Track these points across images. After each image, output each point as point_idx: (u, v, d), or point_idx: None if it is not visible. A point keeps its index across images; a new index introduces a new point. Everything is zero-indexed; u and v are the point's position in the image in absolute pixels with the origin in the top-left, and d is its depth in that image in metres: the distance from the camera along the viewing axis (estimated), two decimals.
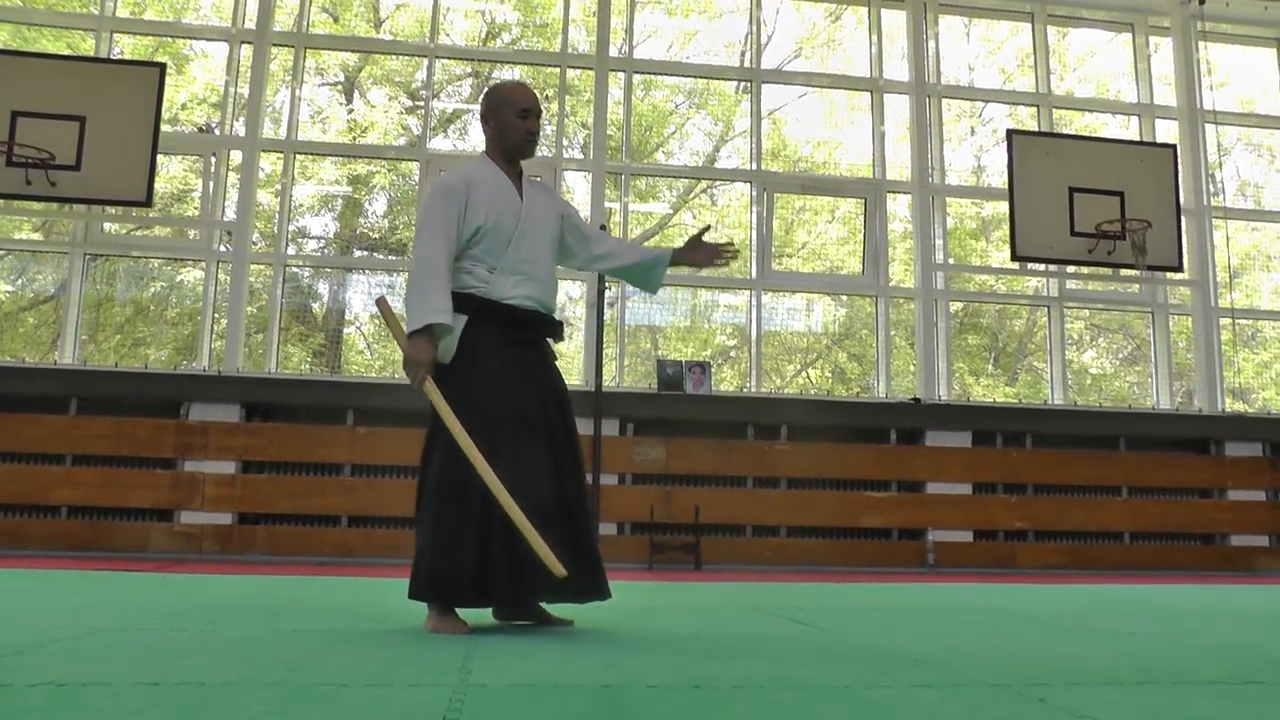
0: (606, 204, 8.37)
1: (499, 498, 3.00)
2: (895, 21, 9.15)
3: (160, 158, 7.70)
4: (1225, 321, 8.95)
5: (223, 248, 8.01)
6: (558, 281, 3.53)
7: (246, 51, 8.32)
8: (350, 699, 1.95)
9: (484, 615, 3.30)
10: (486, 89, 3.54)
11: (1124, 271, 8.56)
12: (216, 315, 8.00)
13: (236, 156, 8.17)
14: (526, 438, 3.19)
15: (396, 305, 3.35)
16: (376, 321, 9.21)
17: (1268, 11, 9.32)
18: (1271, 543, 8.31)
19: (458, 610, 3.18)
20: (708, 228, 3.68)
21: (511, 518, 3.00)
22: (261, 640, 2.80)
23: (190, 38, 8.87)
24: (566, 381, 3.54)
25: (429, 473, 3.20)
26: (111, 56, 8.18)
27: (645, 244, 8.62)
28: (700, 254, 3.60)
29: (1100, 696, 2.16)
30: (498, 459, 3.08)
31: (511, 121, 3.36)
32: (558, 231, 3.47)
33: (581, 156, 8.83)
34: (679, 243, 3.74)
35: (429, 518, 3.15)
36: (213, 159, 8.14)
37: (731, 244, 3.64)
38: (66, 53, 8.30)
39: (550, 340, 3.46)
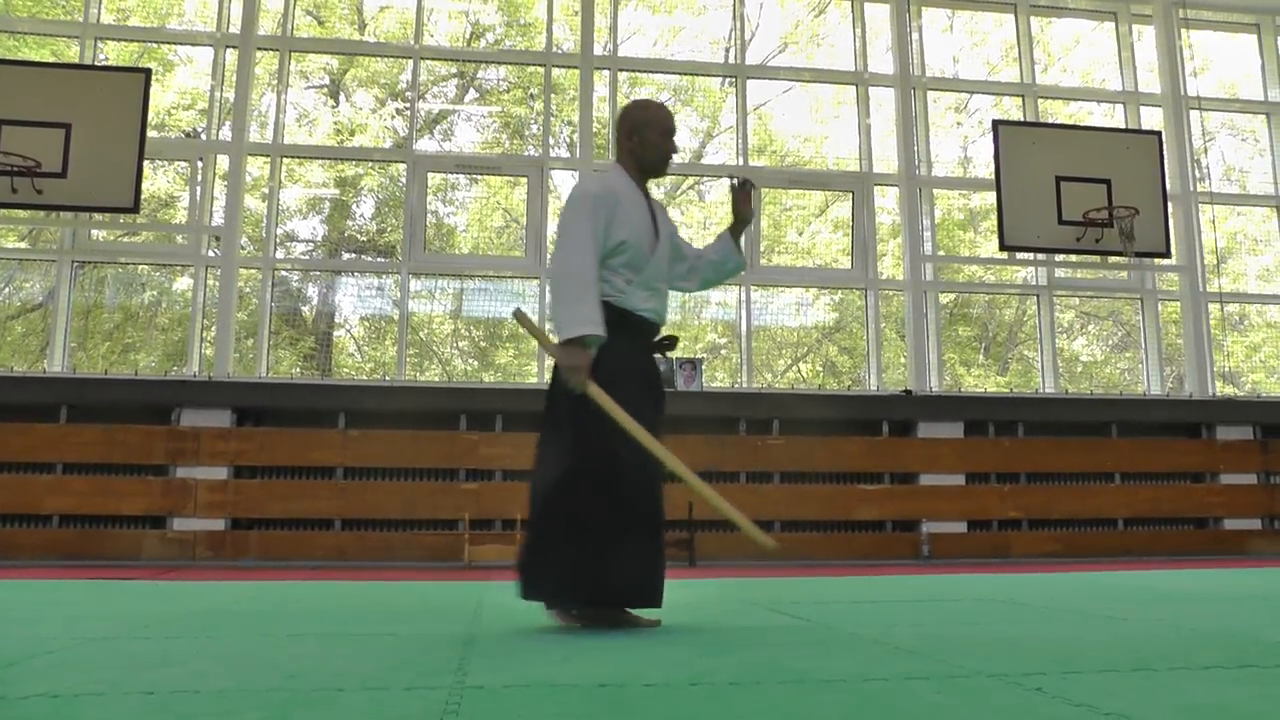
0: None
1: (688, 480, 3.19)
2: (879, 15, 9.16)
3: (146, 164, 7.67)
4: (1214, 306, 8.98)
5: (211, 253, 7.99)
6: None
7: (231, 56, 8.30)
8: (346, 703, 1.94)
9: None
10: (630, 103, 3.57)
11: (1112, 259, 8.59)
12: (206, 321, 7.97)
13: (223, 161, 8.15)
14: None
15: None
16: (367, 324, 9.19)
17: None
18: (1264, 525, 8.35)
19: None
20: (733, 179, 3.67)
21: (708, 498, 3.19)
22: (257, 646, 2.79)
23: (175, 43, 8.83)
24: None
25: (571, 475, 3.20)
26: (96, 63, 8.14)
27: None
28: (740, 208, 3.64)
29: (1097, 684, 2.16)
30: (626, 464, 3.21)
31: (656, 141, 3.43)
32: (673, 252, 3.55)
33: (568, 155, 8.82)
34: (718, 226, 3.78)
35: (577, 518, 3.16)
36: (199, 164, 8.12)
37: (739, 180, 3.65)
38: (51, 60, 8.26)
39: (666, 352, 3.58)
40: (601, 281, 3.26)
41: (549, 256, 3.29)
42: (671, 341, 3.54)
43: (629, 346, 3.30)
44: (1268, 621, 3.44)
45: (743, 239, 3.73)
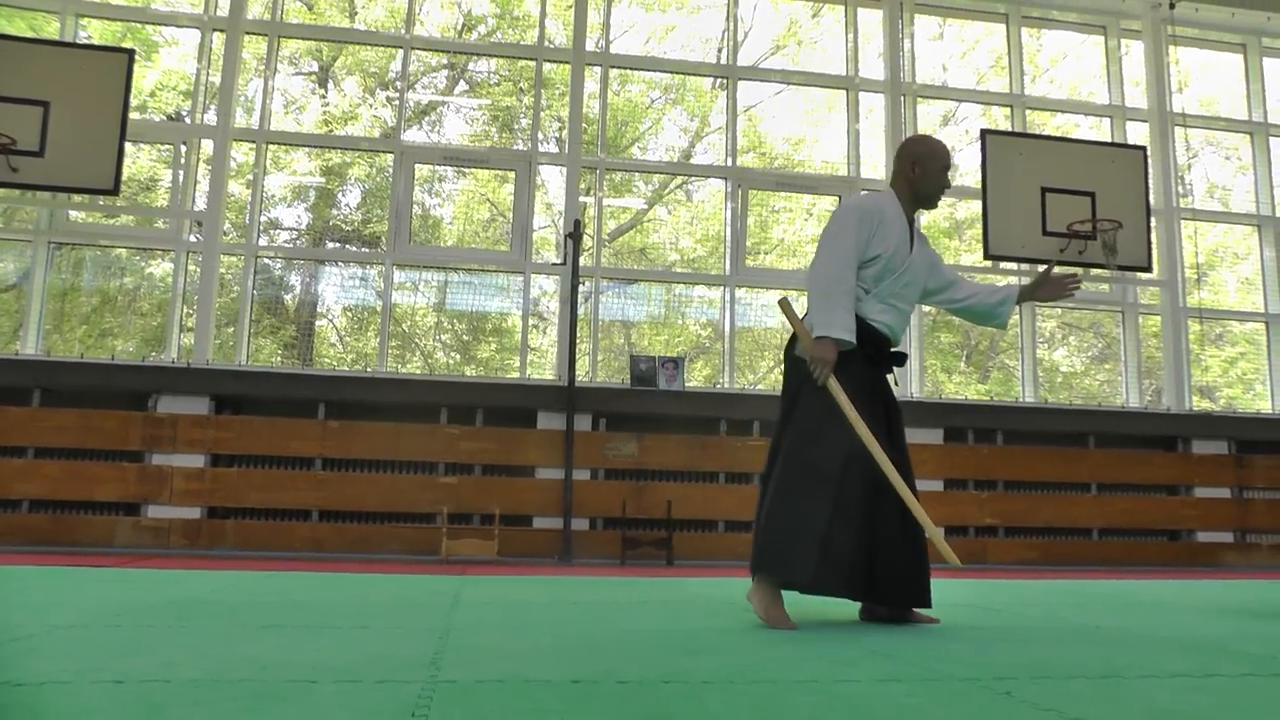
0: (581, 198, 8.35)
1: (899, 489, 3.32)
2: (871, 20, 9.17)
3: (128, 145, 7.60)
4: (1193, 321, 9.04)
5: (193, 238, 7.93)
6: (910, 319, 3.85)
7: (219, 39, 8.23)
8: (319, 696, 1.93)
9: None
10: (912, 137, 3.90)
11: (1095, 271, 8.63)
12: (186, 307, 7.92)
13: (207, 145, 8.09)
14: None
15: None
16: (349, 314, 9.15)
17: (1235, 18, 9.43)
18: (1236, 539, 8.42)
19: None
20: (1053, 265, 3.99)
21: (913, 509, 3.33)
22: (230, 637, 2.77)
23: (160, 24, 8.73)
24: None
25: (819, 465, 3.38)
26: (77, 41, 8.06)
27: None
28: (1047, 289, 3.87)
29: (1066, 690, 2.18)
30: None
31: (937, 174, 3.69)
32: (925, 278, 3.76)
33: (556, 150, 8.80)
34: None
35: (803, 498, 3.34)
36: (183, 148, 8.06)
37: (1076, 275, 3.90)
38: (29, 35, 8.15)
39: (895, 366, 3.75)
40: None
41: (812, 260, 3.55)
42: (900, 358, 3.73)
43: (856, 352, 3.46)
44: (1236, 632, 3.48)
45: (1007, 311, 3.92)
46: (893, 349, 3.69)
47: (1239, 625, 3.76)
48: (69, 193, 7.49)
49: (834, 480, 3.32)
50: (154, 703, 1.81)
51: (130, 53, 7.56)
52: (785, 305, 3.72)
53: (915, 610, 3.56)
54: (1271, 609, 3.83)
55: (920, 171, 3.67)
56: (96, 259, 8.25)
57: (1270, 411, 9.03)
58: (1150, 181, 8.77)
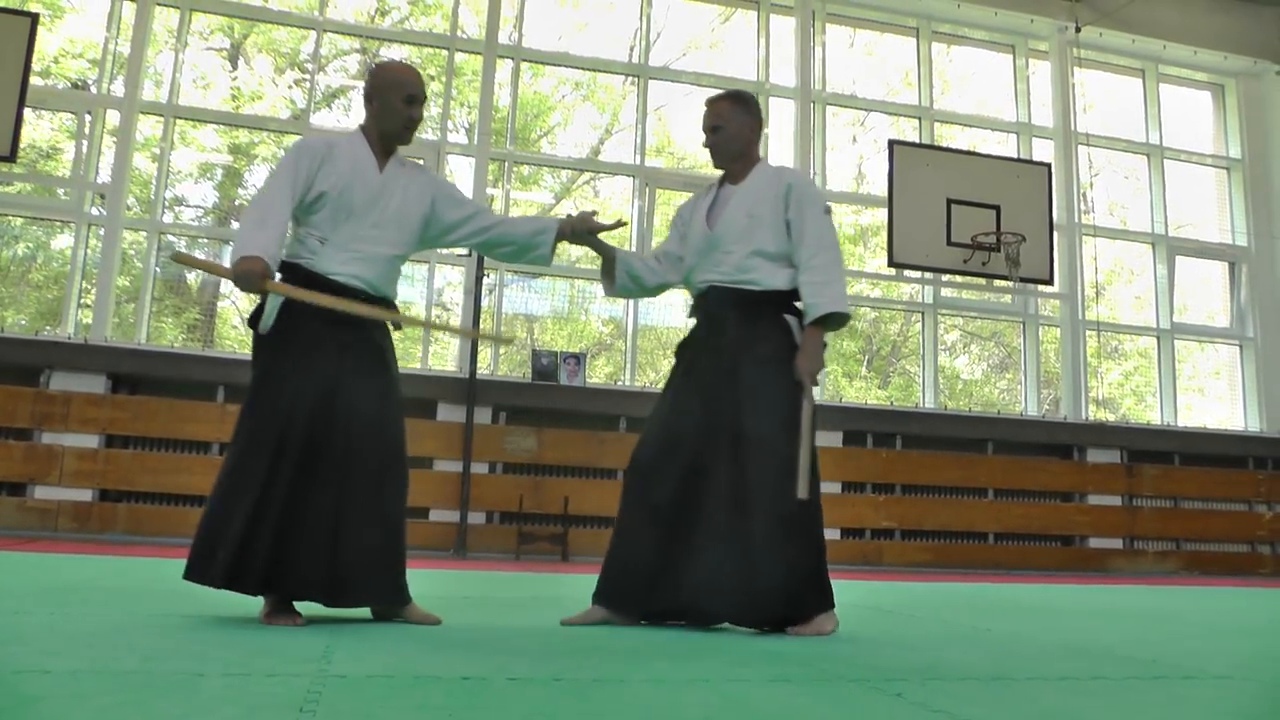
0: (488, 190, 8.29)
1: (353, 309, 3.00)
2: (784, 27, 9.25)
3: (28, 112, 7.32)
4: (1091, 333, 9.33)
5: (95, 211, 7.66)
6: (399, 270, 3.30)
7: (129, 9, 7.97)
8: (206, 689, 1.89)
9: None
10: (374, 66, 3.39)
11: (997, 282, 8.85)
12: (85, 282, 7.65)
13: (113, 116, 7.82)
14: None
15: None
16: (253, 297, 8.94)
17: (1135, 44, 9.77)
18: (1124, 545, 8.72)
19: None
20: (595, 213, 3.60)
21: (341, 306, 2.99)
22: (116, 626, 2.70)
23: None
24: (396, 370, 3.32)
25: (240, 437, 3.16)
26: None
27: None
28: (588, 222, 3.51)
29: (956, 691, 2.23)
30: (292, 438, 3.04)
31: (395, 105, 3.19)
32: (419, 219, 3.26)
33: (465, 140, 8.71)
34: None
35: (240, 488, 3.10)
36: (88, 117, 7.79)
37: (622, 221, 3.63)
38: None
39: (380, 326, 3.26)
40: (296, 242, 3.14)
41: None
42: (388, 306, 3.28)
43: (312, 311, 3.01)
44: (1122, 636, 3.60)
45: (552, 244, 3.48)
46: (374, 301, 3.16)
47: (1125, 630, 3.90)
48: None
49: (269, 453, 3.07)
50: (29, 695, 1.75)
51: (34, 16, 7.27)
52: (181, 256, 3.42)
53: (404, 608, 3.13)
54: (1155, 613, 3.98)
55: (380, 105, 3.19)
56: None
57: (1159, 423, 9.37)
58: (1054, 197, 9.02)
